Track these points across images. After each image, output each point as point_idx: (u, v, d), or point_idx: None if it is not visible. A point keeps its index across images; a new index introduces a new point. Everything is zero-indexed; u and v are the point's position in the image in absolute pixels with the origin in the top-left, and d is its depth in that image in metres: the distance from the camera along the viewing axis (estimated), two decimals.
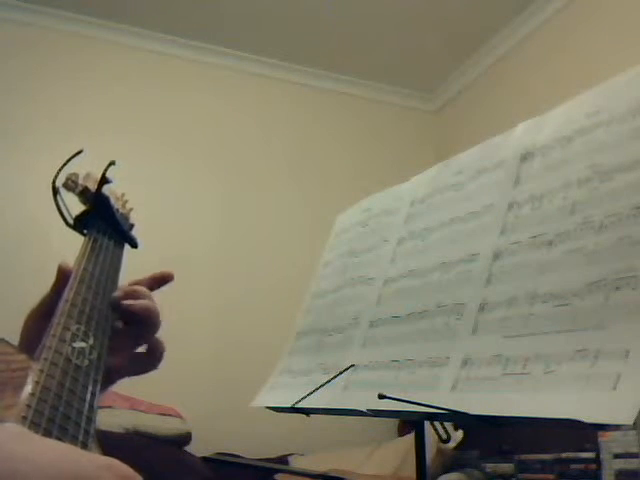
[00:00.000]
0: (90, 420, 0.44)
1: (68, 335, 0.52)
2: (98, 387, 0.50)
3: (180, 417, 2.35)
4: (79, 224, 0.76)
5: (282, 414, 1.09)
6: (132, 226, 0.84)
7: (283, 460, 2.58)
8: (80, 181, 0.79)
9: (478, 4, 2.90)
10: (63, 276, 0.64)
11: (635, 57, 0.99)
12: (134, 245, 0.81)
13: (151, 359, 0.68)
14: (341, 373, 0.95)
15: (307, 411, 1.00)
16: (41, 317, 0.61)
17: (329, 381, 0.95)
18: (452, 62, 3.36)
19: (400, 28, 3.08)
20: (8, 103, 2.79)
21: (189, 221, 3.01)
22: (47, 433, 0.39)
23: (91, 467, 0.35)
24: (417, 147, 3.49)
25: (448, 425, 1.00)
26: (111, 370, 0.60)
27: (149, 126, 3.02)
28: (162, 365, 0.70)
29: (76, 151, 0.79)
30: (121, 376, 0.66)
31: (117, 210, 0.79)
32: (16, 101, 2.81)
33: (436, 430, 0.94)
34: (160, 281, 0.74)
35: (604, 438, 1.79)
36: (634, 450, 1.72)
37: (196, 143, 3.12)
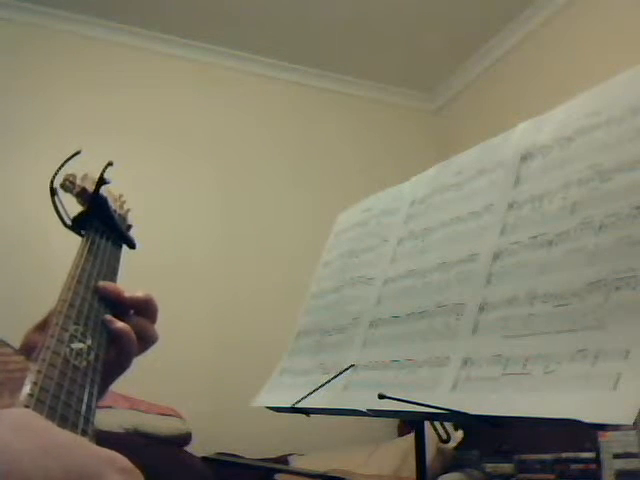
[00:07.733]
0: (88, 421, 0.44)
1: (66, 336, 0.52)
2: (96, 388, 0.49)
3: (180, 417, 2.35)
4: (77, 225, 0.76)
5: (282, 414, 1.09)
6: (130, 227, 0.84)
7: (283, 460, 2.57)
8: (78, 182, 0.79)
9: (478, 4, 2.90)
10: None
11: (635, 57, 0.99)
12: (132, 246, 0.81)
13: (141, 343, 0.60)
14: (341, 373, 0.95)
15: (307, 411, 1.00)
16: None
17: (329, 381, 0.95)
18: (452, 62, 3.36)
19: (400, 28, 3.08)
20: (8, 103, 2.79)
21: (189, 221, 3.01)
22: None
23: (94, 461, 0.35)
24: (417, 147, 3.48)
25: (448, 425, 1.00)
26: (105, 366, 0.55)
27: (149, 126, 3.02)
28: (152, 350, 0.62)
29: (74, 152, 0.79)
30: (113, 369, 0.59)
31: (115, 211, 0.79)
32: (16, 101, 2.81)
33: (436, 430, 0.95)
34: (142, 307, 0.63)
35: (604, 438, 1.79)
36: (634, 450, 1.72)
37: (196, 143, 3.12)
